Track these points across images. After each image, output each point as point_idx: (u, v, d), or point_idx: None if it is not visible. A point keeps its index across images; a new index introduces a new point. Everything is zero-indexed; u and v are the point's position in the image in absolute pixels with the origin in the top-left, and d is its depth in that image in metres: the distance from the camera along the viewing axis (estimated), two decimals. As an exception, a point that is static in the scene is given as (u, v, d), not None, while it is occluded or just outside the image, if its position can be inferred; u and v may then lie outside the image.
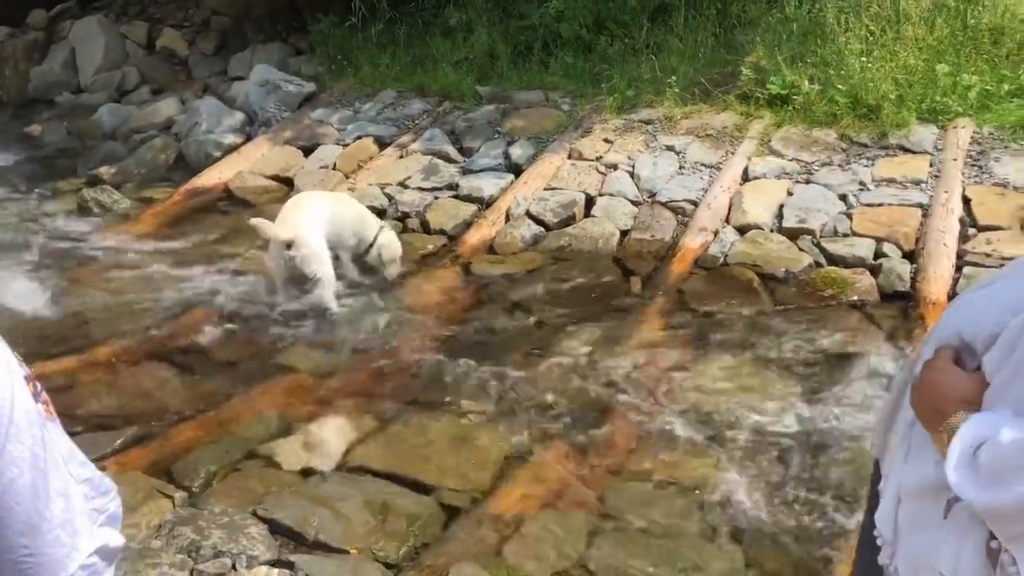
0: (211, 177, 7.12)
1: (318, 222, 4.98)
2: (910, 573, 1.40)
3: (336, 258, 5.16)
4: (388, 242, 5.33)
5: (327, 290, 4.95)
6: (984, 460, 1.22)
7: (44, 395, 1.11)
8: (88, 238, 6.16)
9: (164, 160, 7.81)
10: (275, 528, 3.26)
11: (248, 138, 7.78)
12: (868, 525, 1.62)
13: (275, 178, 7.06)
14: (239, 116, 8.08)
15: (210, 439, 3.88)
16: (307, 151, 7.36)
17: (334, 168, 7.06)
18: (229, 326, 4.92)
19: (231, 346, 4.73)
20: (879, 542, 1.51)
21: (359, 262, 5.37)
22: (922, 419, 1.38)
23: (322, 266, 4.91)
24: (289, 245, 4.77)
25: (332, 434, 3.89)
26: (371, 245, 5.31)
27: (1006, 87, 6.46)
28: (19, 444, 1.02)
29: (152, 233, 6.31)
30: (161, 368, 4.54)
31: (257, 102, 8.14)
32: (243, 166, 7.24)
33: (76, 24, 10.13)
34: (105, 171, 7.51)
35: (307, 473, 3.65)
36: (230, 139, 7.73)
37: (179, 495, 3.42)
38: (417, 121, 7.57)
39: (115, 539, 1.16)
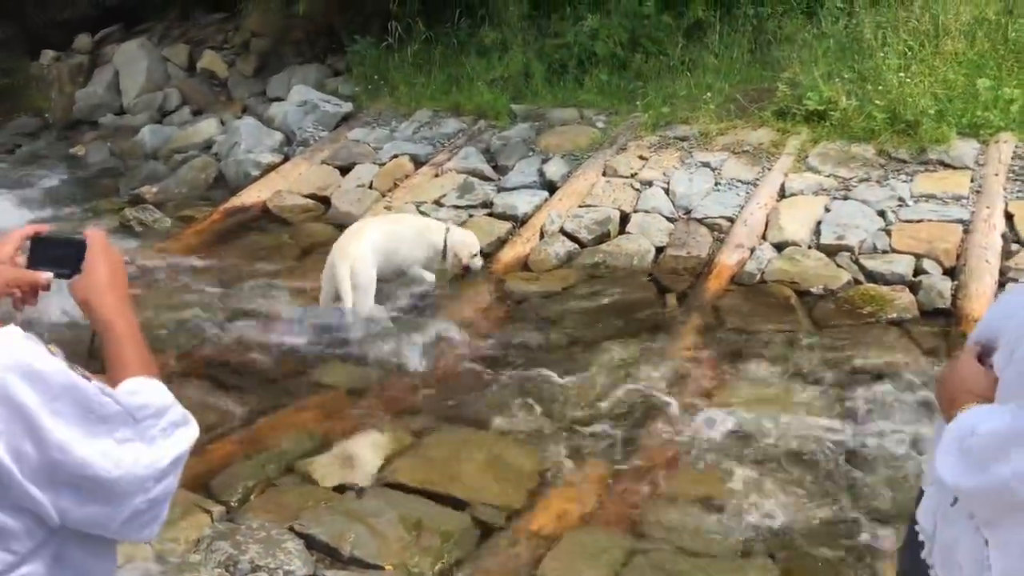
0: (250, 196, 7.22)
1: (370, 249, 5.10)
2: (941, 566, 1.43)
3: (402, 274, 5.36)
4: (456, 241, 5.39)
5: (360, 311, 5.03)
6: (967, 447, 1.29)
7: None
8: (130, 256, 6.26)
9: (204, 179, 7.95)
10: (311, 543, 3.27)
11: (286, 158, 7.89)
12: (912, 522, 1.64)
13: (313, 197, 7.14)
14: (278, 136, 8.20)
15: (248, 454, 3.92)
16: (344, 170, 7.44)
17: (371, 187, 7.13)
18: (267, 343, 4.97)
19: (269, 362, 4.78)
20: (921, 537, 1.52)
21: (440, 270, 5.47)
22: (941, 409, 1.46)
23: (360, 294, 5.00)
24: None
25: (367, 450, 3.90)
26: (444, 251, 5.37)
27: (1049, 101, 6.37)
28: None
29: (192, 251, 6.41)
30: (200, 384, 4.59)
31: (295, 122, 8.26)
32: (281, 185, 7.33)
33: (119, 48, 10.38)
34: (147, 190, 7.65)
35: (343, 489, 3.67)
36: (269, 159, 7.84)
37: (217, 509, 3.45)
38: (452, 140, 7.63)
39: (182, 445, 1.31)
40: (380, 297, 5.16)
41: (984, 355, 1.43)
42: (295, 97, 8.56)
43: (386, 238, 5.23)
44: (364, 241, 5.13)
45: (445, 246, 5.37)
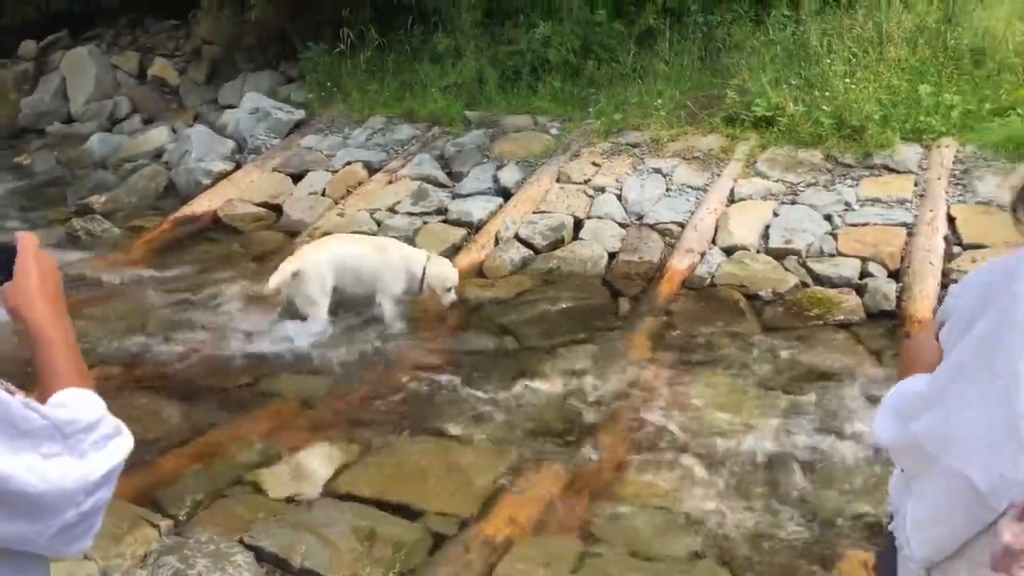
0: (201, 205, 7.14)
1: (329, 259, 5.06)
2: (898, 530, 1.49)
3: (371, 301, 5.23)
4: (432, 273, 5.19)
5: (312, 322, 5.04)
6: (896, 407, 1.44)
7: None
8: (77, 267, 6.15)
9: (154, 189, 7.85)
10: (261, 556, 3.23)
11: (238, 166, 7.82)
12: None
13: (264, 205, 7.09)
14: (229, 144, 8.12)
15: (197, 467, 3.87)
16: (296, 178, 7.39)
17: (323, 194, 7.09)
18: (217, 354, 4.91)
19: (218, 374, 4.72)
20: (890, 509, 1.58)
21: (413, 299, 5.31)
22: (899, 379, 1.55)
23: (313, 306, 5.02)
24: (294, 275, 4.95)
25: (319, 460, 3.87)
26: (422, 281, 5.21)
27: (987, 106, 6.54)
28: None
29: (142, 262, 6.32)
30: (148, 396, 4.53)
31: (247, 130, 8.19)
32: (233, 194, 7.26)
33: (67, 54, 10.22)
34: (95, 200, 7.54)
35: (294, 500, 3.64)
36: (220, 167, 7.77)
37: (165, 523, 3.39)
38: (406, 146, 7.62)
39: (114, 458, 1.26)
40: (334, 305, 5.14)
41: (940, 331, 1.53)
42: (247, 104, 8.50)
43: (358, 261, 5.14)
44: (327, 251, 5.10)
45: (423, 277, 5.21)
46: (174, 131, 8.76)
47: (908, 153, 6.34)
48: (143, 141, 8.64)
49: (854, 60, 7.04)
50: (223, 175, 7.64)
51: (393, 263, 5.18)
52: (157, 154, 8.41)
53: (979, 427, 1.27)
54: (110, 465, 1.26)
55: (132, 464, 3.57)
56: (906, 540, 1.43)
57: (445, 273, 5.20)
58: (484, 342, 5.00)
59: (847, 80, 6.78)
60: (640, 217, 6.18)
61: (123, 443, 1.31)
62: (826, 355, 4.65)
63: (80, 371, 1.36)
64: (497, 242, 6.14)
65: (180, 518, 3.49)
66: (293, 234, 6.58)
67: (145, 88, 9.97)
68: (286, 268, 4.98)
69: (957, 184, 5.95)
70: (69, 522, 1.20)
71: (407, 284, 5.20)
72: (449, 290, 5.18)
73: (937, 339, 1.51)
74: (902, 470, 1.48)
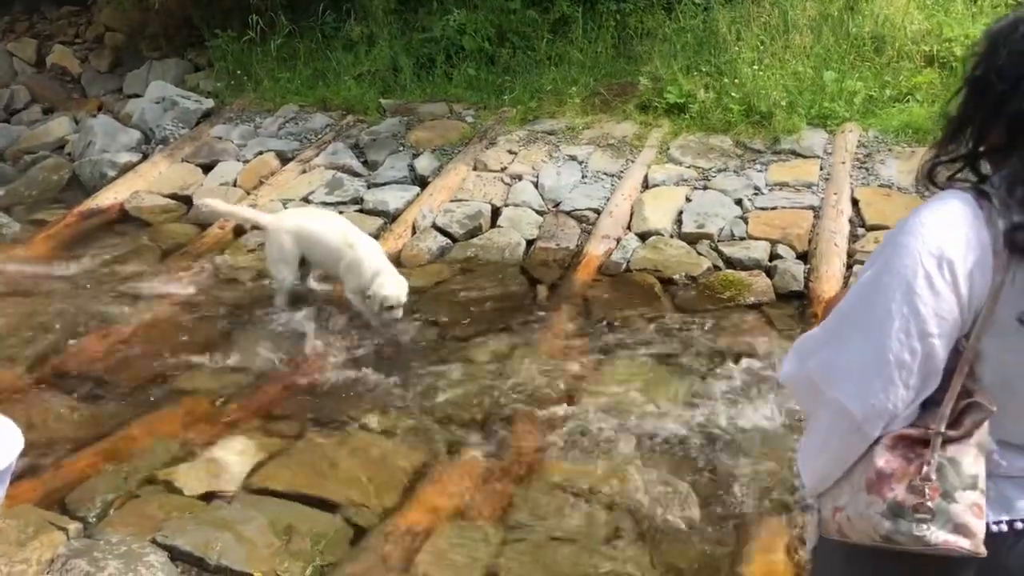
0: (106, 197, 6.91)
1: (293, 228, 5.11)
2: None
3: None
4: (376, 287, 4.77)
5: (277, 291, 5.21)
6: (796, 346, 1.56)
7: None
8: (-26, 264, 5.90)
9: (57, 181, 7.56)
10: (176, 555, 3.16)
11: (145, 157, 7.58)
12: None
13: (174, 197, 6.90)
14: (135, 134, 7.86)
15: (106, 467, 3.75)
16: (207, 168, 7.21)
17: (235, 184, 6.94)
18: (124, 351, 4.77)
19: (127, 371, 4.58)
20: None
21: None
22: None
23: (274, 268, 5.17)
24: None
25: (234, 456, 3.80)
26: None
27: (888, 92, 6.77)
28: None
29: (44, 257, 6.08)
30: (54, 396, 4.37)
31: (153, 120, 7.94)
32: (140, 185, 7.05)
33: (-42, 42, 9.73)
34: (-7, 194, 7.22)
35: (209, 497, 3.56)
36: (126, 158, 7.51)
37: (73, 526, 3.28)
38: (320, 135, 7.51)
39: None
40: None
41: None
42: (153, 93, 8.24)
43: (325, 245, 5.03)
44: (293, 221, 5.17)
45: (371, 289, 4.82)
46: (76, 121, 8.43)
47: (814, 138, 6.53)
48: (43, 132, 8.29)
49: (761, 47, 7.21)
50: (129, 166, 7.39)
51: (352, 263, 4.93)
52: (59, 145, 8.10)
53: (857, 362, 1.40)
54: None
55: (37, 467, 3.47)
56: (798, 472, 1.58)
57: (387, 292, 4.75)
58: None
59: (755, 67, 6.94)
60: (557, 204, 6.22)
61: (8, 449, 1.23)
62: (738, 335, 4.77)
63: None
64: (414, 231, 6.11)
65: (90, 520, 3.39)
66: (203, 226, 6.42)
67: (44, 77, 9.57)
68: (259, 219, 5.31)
69: (860, 168, 6.16)
70: None
71: (359, 284, 4.91)
72: (390, 308, 4.77)
73: None
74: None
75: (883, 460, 1.39)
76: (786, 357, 1.58)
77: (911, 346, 1.36)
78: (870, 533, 1.40)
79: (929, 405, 1.42)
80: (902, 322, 1.36)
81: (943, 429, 1.38)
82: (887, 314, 1.37)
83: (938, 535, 1.34)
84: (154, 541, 3.22)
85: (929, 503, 1.35)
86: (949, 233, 1.38)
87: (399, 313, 4.82)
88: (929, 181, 1.52)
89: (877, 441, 1.41)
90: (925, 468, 1.36)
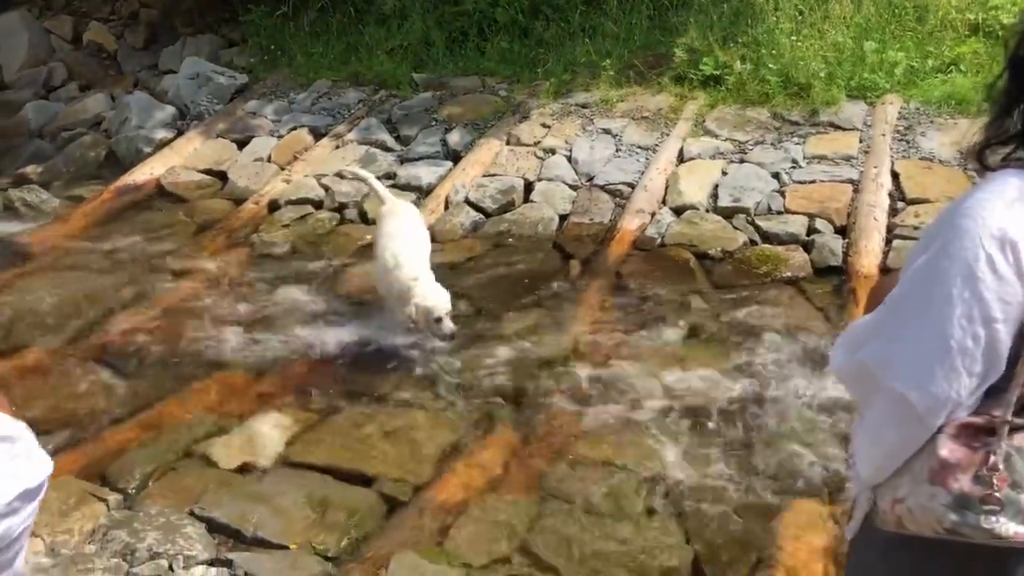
0: (142, 173, 6.96)
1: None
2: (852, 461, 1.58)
3: None
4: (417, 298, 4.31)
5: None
6: (846, 336, 1.52)
7: None
8: (15, 239, 5.98)
9: (94, 158, 7.62)
10: (213, 527, 3.21)
11: (180, 133, 7.61)
12: None
13: (208, 172, 6.93)
14: (170, 111, 7.90)
15: (145, 440, 3.81)
16: (241, 144, 7.23)
17: (269, 160, 6.96)
18: (161, 326, 4.82)
19: (164, 346, 4.63)
20: (850, 451, 1.65)
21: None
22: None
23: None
24: None
25: (270, 430, 3.83)
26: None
27: (930, 63, 6.61)
28: None
29: (82, 233, 6.15)
30: (93, 370, 4.44)
31: (188, 96, 7.98)
32: (175, 161, 7.09)
33: (-4, 19, 9.81)
34: (32, 170, 7.31)
35: (245, 470, 3.61)
36: (161, 134, 7.56)
37: (113, 498, 3.35)
38: (353, 110, 7.49)
39: (29, 480, 1.14)
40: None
41: None
42: (187, 69, 8.26)
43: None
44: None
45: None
46: (113, 98, 8.48)
47: (853, 110, 6.40)
48: (80, 109, 8.36)
49: (800, 18, 7.06)
50: (165, 143, 7.43)
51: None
52: (96, 122, 8.14)
53: (916, 350, 1.35)
54: (27, 485, 1.15)
55: (78, 440, 3.53)
56: (853, 464, 1.52)
57: (426, 306, 4.28)
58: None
59: (793, 38, 6.80)
60: (590, 178, 6.17)
61: (43, 464, 1.20)
62: (774, 311, 4.71)
63: None
64: (447, 206, 6.09)
65: (129, 492, 3.45)
66: (239, 201, 6.45)
67: (81, 54, 9.63)
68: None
69: (901, 140, 6.03)
70: None
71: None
72: (438, 321, 4.28)
73: None
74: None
75: (947, 450, 1.34)
76: (835, 347, 1.53)
77: (974, 332, 1.30)
78: (933, 525, 1.34)
79: (992, 392, 1.36)
80: (964, 308, 1.31)
81: (1010, 417, 1.32)
82: (947, 300, 1.32)
83: (1008, 527, 1.29)
84: (191, 513, 3.27)
85: (998, 494, 1.29)
86: (1010, 213, 1.32)
87: (444, 327, 4.28)
88: (980, 164, 1.45)
89: (939, 430, 1.35)
90: (992, 458, 1.30)
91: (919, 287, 1.38)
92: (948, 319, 1.31)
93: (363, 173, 5.44)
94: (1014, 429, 1.33)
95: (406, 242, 4.64)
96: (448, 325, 4.28)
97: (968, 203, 1.36)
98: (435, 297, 4.32)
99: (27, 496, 1.14)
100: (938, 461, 1.34)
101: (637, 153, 6.34)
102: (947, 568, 1.43)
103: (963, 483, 1.31)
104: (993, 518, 1.29)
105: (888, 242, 5.12)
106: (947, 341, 1.31)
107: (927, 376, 1.33)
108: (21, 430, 1.18)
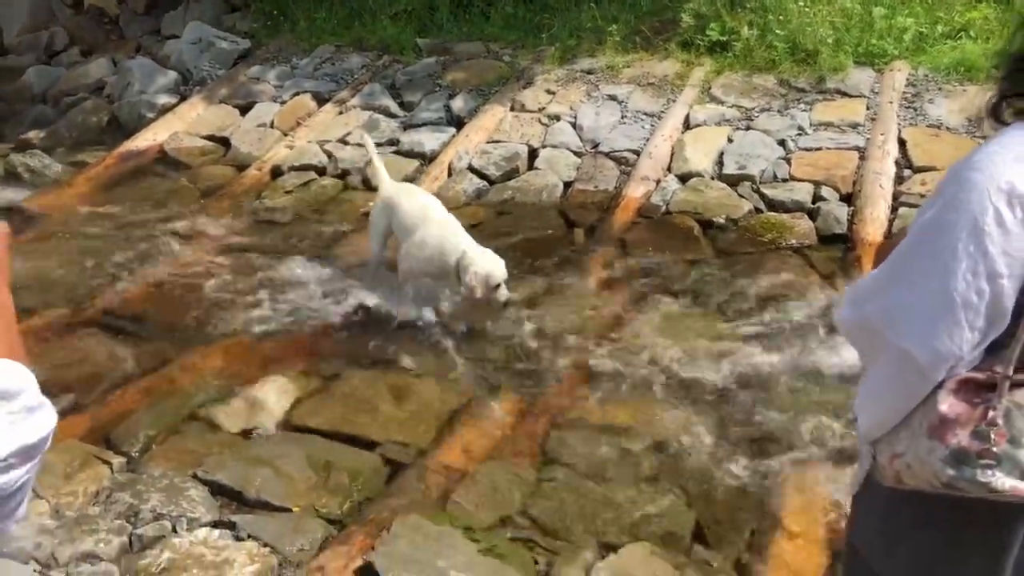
0: (145, 139, 6.94)
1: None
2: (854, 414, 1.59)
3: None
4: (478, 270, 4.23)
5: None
6: (852, 291, 1.52)
7: None
8: (18, 204, 5.97)
9: (96, 123, 7.60)
10: (216, 489, 3.22)
11: (183, 98, 7.59)
12: None
13: (211, 138, 6.91)
14: (173, 76, 7.87)
15: (149, 404, 3.81)
16: (244, 109, 7.20)
17: (272, 126, 6.93)
18: (165, 291, 4.83)
19: (168, 311, 4.64)
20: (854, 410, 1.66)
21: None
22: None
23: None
24: None
25: (273, 394, 3.84)
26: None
27: (940, 29, 6.53)
28: None
29: (86, 198, 6.14)
30: (98, 335, 4.44)
31: (191, 61, 7.93)
32: (178, 127, 7.07)
33: (-3, -16, 9.74)
34: (34, 135, 7.31)
35: (248, 434, 3.62)
36: (164, 100, 7.53)
37: (117, 461, 3.36)
38: (356, 76, 7.44)
39: (27, 436, 1.11)
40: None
41: None
42: (190, 34, 8.21)
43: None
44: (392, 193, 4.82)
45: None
46: (115, 63, 8.43)
47: (860, 77, 6.33)
48: (83, 74, 8.32)
49: (808, -17, 6.96)
50: (167, 108, 7.41)
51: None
52: (98, 87, 8.12)
53: (919, 303, 1.34)
54: (24, 442, 1.12)
55: (82, 403, 3.53)
56: (855, 418, 1.52)
57: (482, 271, 4.22)
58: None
59: (801, 3, 6.72)
60: (595, 145, 6.13)
61: (42, 419, 1.19)
62: (779, 279, 4.69)
63: (9, 343, 1.26)
64: (450, 173, 6.06)
65: (133, 455, 3.46)
66: (241, 168, 6.43)
67: (82, 19, 9.56)
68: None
69: (908, 107, 5.97)
70: None
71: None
72: (496, 288, 4.23)
73: None
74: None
75: (946, 405, 1.33)
76: (841, 302, 1.53)
77: (978, 286, 1.29)
78: (931, 480, 1.34)
79: (995, 348, 1.35)
80: (969, 262, 1.29)
81: (1011, 372, 1.32)
82: (952, 254, 1.30)
83: (1005, 481, 1.28)
84: (195, 476, 3.28)
85: (995, 449, 1.28)
86: (1019, 167, 1.30)
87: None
88: (994, 119, 1.42)
89: (940, 385, 1.35)
90: (991, 413, 1.30)
91: (925, 240, 1.37)
92: (952, 273, 1.30)
93: (372, 150, 5.19)
94: (1015, 385, 1.32)
95: (444, 216, 4.58)
96: (504, 292, 4.23)
97: (977, 157, 1.34)
98: (492, 264, 4.25)
99: (24, 452, 1.13)
100: (937, 416, 1.34)
101: (642, 120, 6.30)
102: (945, 523, 1.43)
103: (961, 438, 1.31)
104: (989, 472, 1.29)
105: (894, 210, 5.09)
106: (951, 295, 1.30)
107: (930, 330, 1.32)
108: (25, 383, 1.16)
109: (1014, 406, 1.31)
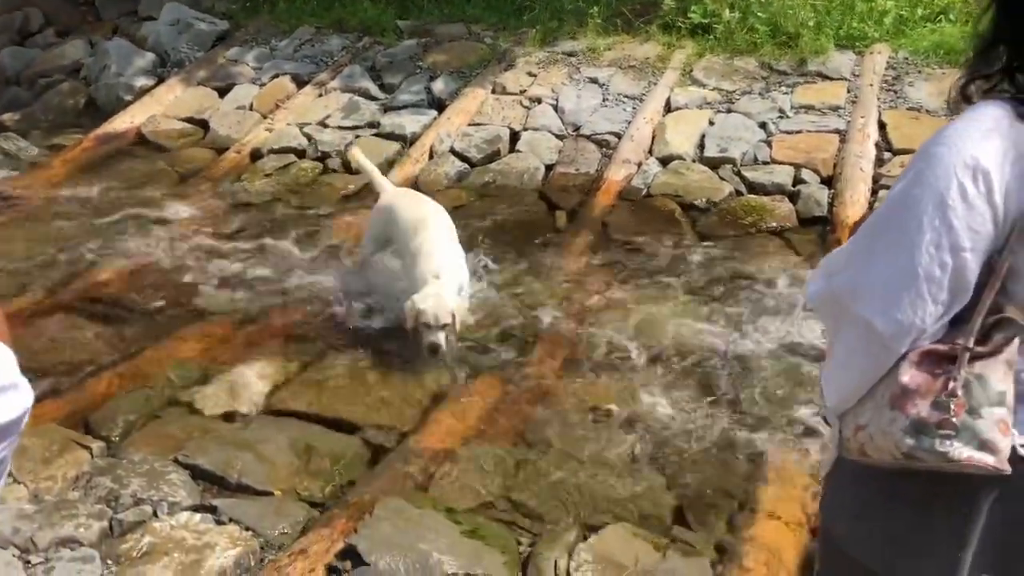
0: (123, 122, 6.87)
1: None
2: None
3: None
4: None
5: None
6: (822, 265, 1.53)
7: None
8: (-7, 189, 5.91)
9: (73, 105, 7.51)
10: (197, 473, 3.21)
11: (160, 80, 7.50)
12: None
13: (190, 121, 6.84)
14: (150, 57, 7.77)
15: (129, 388, 3.79)
16: (222, 92, 7.13)
17: (251, 108, 6.87)
18: (143, 274, 4.79)
19: (147, 294, 4.60)
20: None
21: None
22: None
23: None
24: None
25: (254, 378, 3.82)
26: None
27: (920, 12, 6.57)
28: None
29: (62, 181, 6.07)
30: (76, 319, 4.40)
31: (169, 42, 7.83)
32: (156, 109, 6.99)
33: (-32, -37, 9.56)
34: (9, 118, 7.22)
35: (229, 418, 3.60)
36: (142, 82, 7.44)
37: (97, 445, 3.33)
38: (336, 58, 7.38)
39: (2, 414, 1.09)
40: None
41: None
42: (167, 16, 8.09)
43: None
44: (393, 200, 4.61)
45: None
46: (91, 44, 8.31)
47: (841, 60, 6.35)
48: (58, 55, 8.19)
49: (789, -35, 6.96)
50: (145, 90, 7.32)
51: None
52: (74, 69, 7.99)
53: (884, 277, 1.36)
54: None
55: (60, 388, 3.49)
56: (821, 393, 1.54)
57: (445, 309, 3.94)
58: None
59: (782, -15, 6.71)
60: (577, 128, 6.12)
61: (17, 398, 1.17)
62: (759, 261, 4.71)
63: None
64: (432, 156, 6.03)
65: (113, 440, 3.43)
66: (220, 150, 6.38)
67: (58, -1, 9.43)
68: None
69: (889, 90, 6.00)
70: None
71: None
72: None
73: None
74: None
75: (908, 376, 1.35)
76: (812, 276, 1.54)
77: (941, 260, 1.31)
78: (891, 451, 1.36)
79: (959, 322, 1.37)
80: (933, 235, 1.31)
81: (971, 344, 1.34)
82: (918, 227, 1.32)
83: (962, 451, 1.30)
84: (176, 460, 3.26)
85: (954, 419, 1.30)
86: (985, 143, 1.31)
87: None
88: (964, 99, 1.43)
89: (903, 357, 1.37)
90: (951, 384, 1.32)
91: (891, 215, 1.39)
92: (917, 246, 1.32)
93: (367, 167, 4.94)
94: (975, 357, 1.34)
95: (434, 235, 4.35)
96: (437, 337, 3.89)
97: (946, 132, 1.35)
98: (430, 304, 3.91)
99: (2, 431, 1.11)
100: (899, 387, 1.35)
101: (624, 103, 6.29)
102: (912, 497, 1.45)
103: (921, 408, 1.33)
104: (948, 442, 1.31)
105: (874, 192, 5.11)
106: (914, 268, 1.32)
107: (893, 302, 1.34)
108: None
109: (974, 377, 1.33)
